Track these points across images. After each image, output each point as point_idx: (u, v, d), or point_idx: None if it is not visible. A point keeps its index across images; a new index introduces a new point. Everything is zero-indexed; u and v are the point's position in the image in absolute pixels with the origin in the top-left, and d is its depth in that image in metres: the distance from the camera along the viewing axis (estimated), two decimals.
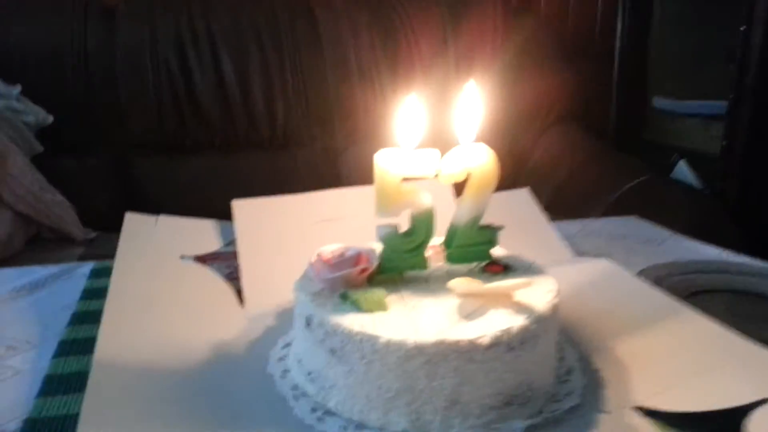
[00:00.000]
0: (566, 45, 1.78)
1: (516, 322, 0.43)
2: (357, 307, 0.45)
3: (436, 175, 0.48)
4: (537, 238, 0.73)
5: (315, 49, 1.58)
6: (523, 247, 0.57)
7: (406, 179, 0.48)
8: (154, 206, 1.49)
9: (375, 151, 0.48)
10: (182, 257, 0.64)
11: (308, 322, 0.46)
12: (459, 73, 1.54)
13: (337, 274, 0.46)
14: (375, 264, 0.48)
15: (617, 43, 1.82)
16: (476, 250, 0.51)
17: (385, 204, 0.47)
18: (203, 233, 0.68)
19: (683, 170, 1.65)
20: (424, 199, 0.49)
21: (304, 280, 0.50)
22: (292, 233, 0.63)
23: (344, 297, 0.46)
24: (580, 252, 0.75)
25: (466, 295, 0.47)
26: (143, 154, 1.55)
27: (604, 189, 1.46)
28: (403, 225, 0.50)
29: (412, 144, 0.48)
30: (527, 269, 0.52)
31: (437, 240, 0.52)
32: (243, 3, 1.58)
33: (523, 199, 0.77)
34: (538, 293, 0.47)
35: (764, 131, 1.39)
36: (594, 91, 1.86)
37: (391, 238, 0.49)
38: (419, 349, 0.40)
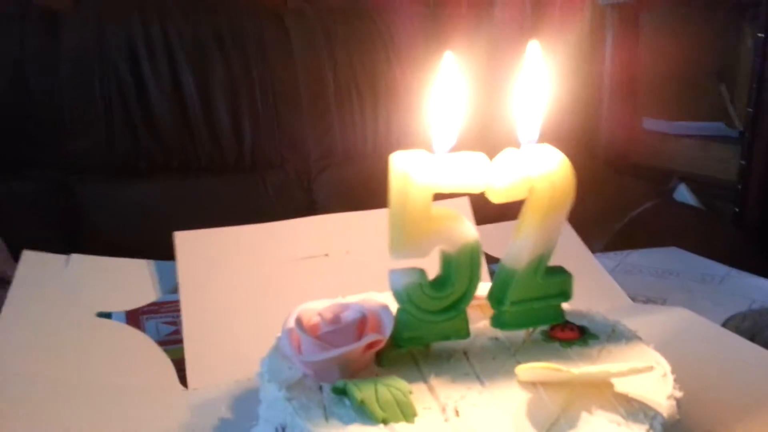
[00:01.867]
0: (554, 62, 1.68)
1: None
2: (363, 414, 0.26)
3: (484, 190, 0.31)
4: (584, 277, 0.55)
5: (286, 61, 1.41)
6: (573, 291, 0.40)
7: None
8: (101, 240, 1.29)
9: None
10: (99, 314, 0.45)
11: None
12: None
13: (331, 353, 0.28)
14: (388, 333, 0.30)
15: (606, 60, 1.74)
16: (543, 309, 0.33)
17: (408, 235, 0.30)
18: (136, 278, 0.49)
19: (684, 194, 1.57)
20: (464, 228, 0.31)
21: (274, 360, 0.31)
22: (258, 277, 0.45)
23: (341, 392, 0.28)
24: (627, 292, 0.59)
25: (536, 387, 0.29)
26: (89, 179, 1.34)
27: (609, 215, 1.34)
28: (430, 268, 0.32)
29: (447, 143, 0.31)
30: (611, 334, 0.35)
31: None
32: (205, 8, 1.41)
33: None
34: (648, 380, 0.29)
35: None
36: (585, 111, 1.78)
37: (414, 290, 0.31)
38: None
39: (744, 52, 1.54)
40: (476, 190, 0.31)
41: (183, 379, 0.42)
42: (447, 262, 0.31)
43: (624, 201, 1.39)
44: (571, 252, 0.58)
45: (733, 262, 0.76)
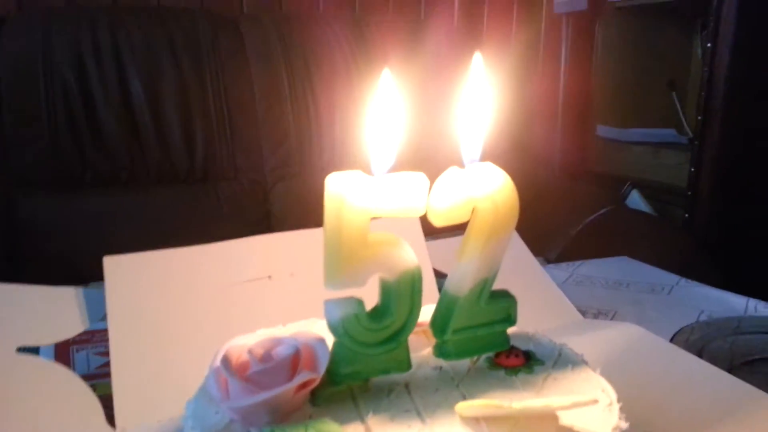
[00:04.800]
0: (509, 70, 1.70)
1: None
2: None
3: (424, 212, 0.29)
4: (534, 292, 0.55)
5: (241, 70, 1.38)
6: (521, 307, 0.39)
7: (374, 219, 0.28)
8: (43, 256, 1.24)
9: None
10: (21, 348, 0.41)
11: None
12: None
13: (259, 397, 0.26)
14: (323, 370, 0.28)
15: (561, 69, 1.77)
16: (487, 336, 0.31)
17: (344, 263, 0.28)
18: (62, 307, 0.45)
19: (636, 200, 1.61)
20: (403, 254, 0.29)
21: (200, 402, 0.29)
22: (195, 303, 0.42)
23: None
24: (578, 305, 0.59)
25: (479, 422, 0.27)
26: (31, 192, 1.27)
27: (563, 222, 1.35)
28: (369, 298, 0.30)
29: (385, 164, 0.29)
30: (557, 359, 0.33)
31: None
32: (156, 14, 1.37)
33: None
34: (593, 411, 0.28)
35: (734, 157, 1.29)
36: (539, 119, 1.81)
37: (350, 322, 0.29)
38: None
39: (695, 61, 1.58)
40: (416, 214, 0.29)
41: (111, 418, 0.39)
42: (386, 290, 0.30)
43: (579, 208, 1.41)
44: (522, 267, 0.57)
45: (682, 267, 0.76)
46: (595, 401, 0.26)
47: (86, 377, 0.43)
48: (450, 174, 0.30)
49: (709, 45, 1.27)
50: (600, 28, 1.76)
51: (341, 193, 0.27)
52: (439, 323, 0.31)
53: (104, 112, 1.32)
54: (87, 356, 0.48)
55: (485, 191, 0.30)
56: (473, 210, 0.30)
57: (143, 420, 0.38)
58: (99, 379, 0.43)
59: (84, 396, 0.39)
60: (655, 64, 1.67)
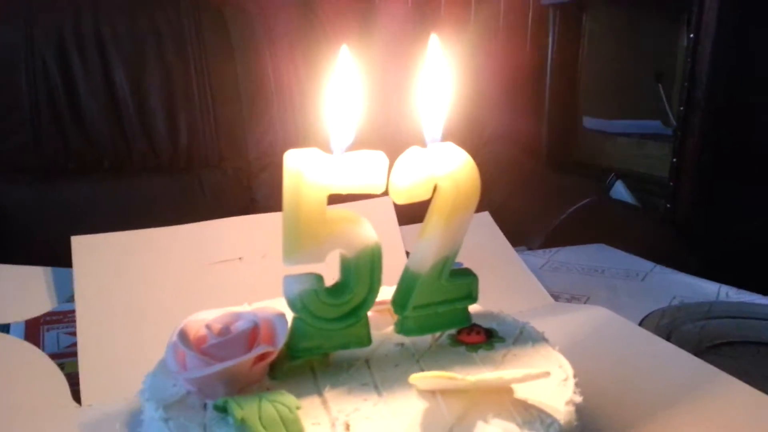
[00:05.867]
0: (496, 61, 1.70)
1: None
2: None
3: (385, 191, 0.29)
4: (507, 276, 0.55)
5: (225, 56, 1.37)
6: (492, 290, 0.39)
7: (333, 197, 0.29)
8: (26, 243, 1.23)
9: None
10: None
11: None
12: (387, 81, 1.37)
13: (213, 368, 0.26)
14: (281, 344, 0.28)
15: (548, 60, 1.77)
16: (448, 313, 0.32)
17: (300, 239, 0.28)
18: (31, 286, 0.45)
19: (621, 190, 1.62)
20: (362, 231, 0.29)
21: (159, 376, 0.29)
22: (164, 284, 0.42)
23: (222, 410, 0.26)
24: (552, 290, 0.59)
25: (435, 396, 0.27)
26: (13, 180, 1.27)
27: (546, 212, 1.35)
28: (330, 274, 0.30)
29: (344, 141, 0.29)
30: (518, 336, 0.34)
31: (381, 294, 0.33)
32: (141, 2, 1.35)
33: (484, 225, 0.60)
34: (549, 384, 0.29)
35: (716, 148, 1.30)
36: (526, 109, 1.81)
37: (309, 297, 0.29)
38: None
39: (681, 53, 1.58)
40: (376, 191, 0.29)
41: (78, 395, 0.39)
42: (346, 266, 0.30)
43: (563, 198, 1.41)
44: (496, 251, 0.58)
45: (661, 256, 0.77)
46: (547, 374, 0.27)
47: (55, 356, 0.43)
48: (411, 153, 0.30)
49: (691, 36, 1.27)
50: (587, 20, 1.76)
51: (299, 168, 0.27)
52: (400, 300, 0.31)
53: (87, 100, 1.31)
54: (57, 335, 0.49)
55: (446, 170, 0.30)
56: (435, 189, 0.31)
57: (109, 397, 0.38)
58: (67, 358, 0.43)
59: (51, 373, 0.39)
60: (642, 55, 1.67)
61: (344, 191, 0.29)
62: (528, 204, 1.47)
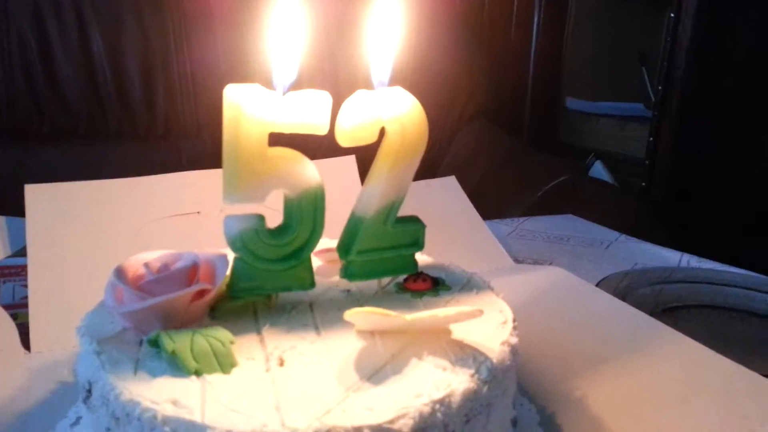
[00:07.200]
0: (482, 39, 1.68)
1: (458, 382, 0.24)
2: (176, 365, 0.24)
3: (328, 131, 0.29)
4: (469, 238, 0.55)
5: (204, 21, 1.35)
6: (453, 250, 0.39)
7: (275, 136, 0.28)
8: None
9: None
10: None
11: (88, 394, 0.25)
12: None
13: (148, 302, 0.26)
14: (219, 282, 0.28)
15: (533, 40, 1.76)
16: (392, 258, 0.32)
17: (240, 176, 0.27)
18: None
19: (599, 170, 1.62)
20: (305, 171, 0.29)
21: (98, 314, 0.29)
22: (118, 235, 0.42)
23: (155, 344, 0.25)
24: (516, 256, 0.59)
25: (373, 336, 0.27)
26: None
27: (525, 188, 1.36)
28: (272, 215, 0.30)
29: (287, 79, 0.29)
30: (465, 285, 0.34)
31: (328, 242, 0.32)
32: None
33: (449, 189, 0.60)
34: (487, 327, 0.29)
35: (692, 128, 1.31)
36: (509, 88, 1.80)
37: (249, 236, 0.29)
38: None
39: (665, 35, 1.58)
40: (318, 131, 0.29)
41: (28, 344, 0.39)
42: (289, 207, 0.30)
43: (542, 177, 1.41)
44: (460, 215, 0.58)
45: (632, 230, 0.78)
46: (480, 312, 0.27)
47: (9, 306, 0.43)
48: (358, 95, 0.30)
49: (672, 16, 1.27)
50: (573, 0, 1.75)
51: (239, 103, 0.27)
52: (344, 244, 0.31)
53: (62, 65, 1.28)
54: (13, 288, 0.48)
55: (393, 113, 0.30)
56: (382, 133, 0.30)
57: (59, 345, 0.38)
58: (21, 309, 0.43)
59: (1, 323, 0.39)
60: (627, 38, 1.66)
61: (286, 130, 0.28)
62: (508, 181, 1.48)
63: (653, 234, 0.89)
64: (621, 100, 1.65)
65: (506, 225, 0.72)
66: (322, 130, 0.29)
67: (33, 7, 1.28)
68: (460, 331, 0.28)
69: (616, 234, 0.71)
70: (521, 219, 0.75)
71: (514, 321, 0.29)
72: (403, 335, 0.27)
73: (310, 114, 0.28)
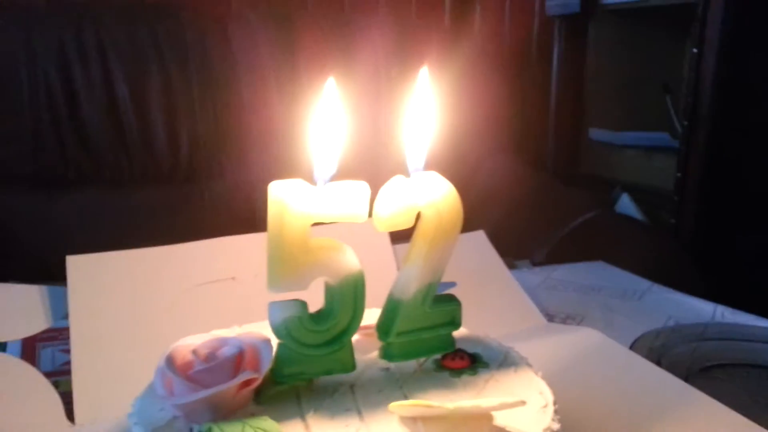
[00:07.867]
0: (502, 71, 1.70)
1: None
2: None
3: (368, 218, 0.30)
4: (501, 296, 0.56)
5: (227, 66, 1.38)
6: (486, 311, 0.40)
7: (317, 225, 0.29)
8: (23, 255, 1.23)
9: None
10: None
11: None
12: (392, 98, 1.39)
13: (199, 394, 0.27)
14: (265, 370, 0.29)
15: (553, 71, 1.77)
16: (431, 339, 0.32)
17: (286, 267, 0.29)
18: (27, 304, 0.46)
19: (627, 204, 1.60)
20: (345, 259, 0.30)
21: (147, 400, 0.30)
22: (157, 304, 0.43)
23: None
24: (548, 309, 0.59)
25: (416, 422, 0.28)
26: (12, 190, 1.27)
27: (550, 225, 1.35)
28: (314, 300, 0.31)
29: (328, 172, 0.30)
30: (503, 362, 0.34)
31: (368, 318, 0.33)
32: (143, 14, 1.36)
33: (478, 243, 0.60)
34: (528, 411, 0.29)
35: (720, 162, 1.30)
36: (532, 120, 1.81)
37: (293, 324, 0.30)
38: None
39: (688, 64, 1.58)
40: (358, 220, 0.30)
41: (71, 414, 0.40)
42: (330, 294, 0.30)
43: (568, 211, 1.41)
44: (489, 270, 0.58)
45: (662, 272, 0.77)
46: (523, 402, 0.27)
47: (50, 374, 0.44)
48: (394, 182, 0.31)
49: (695, 50, 1.28)
50: (593, 31, 1.76)
51: (283, 199, 0.28)
52: (383, 326, 0.32)
53: (88, 110, 1.32)
54: (53, 353, 0.49)
55: (428, 199, 0.31)
56: (418, 217, 0.31)
57: (101, 416, 0.38)
58: (63, 376, 0.44)
59: (45, 392, 0.40)
60: (650, 66, 1.66)
61: (327, 220, 0.29)
62: (533, 216, 1.47)
63: (685, 278, 0.87)
64: (645, 129, 1.64)
65: (535, 275, 0.72)
66: (362, 219, 0.30)
67: (59, 56, 1.32)
68: (502, 417, 0.28)
69: (647, 283, 0.71)
70: (551, 267, 0.76)
71: (555, 404, 0.30)
72: (445, 421, 0.28)
73: (350, 205, 0.29)
